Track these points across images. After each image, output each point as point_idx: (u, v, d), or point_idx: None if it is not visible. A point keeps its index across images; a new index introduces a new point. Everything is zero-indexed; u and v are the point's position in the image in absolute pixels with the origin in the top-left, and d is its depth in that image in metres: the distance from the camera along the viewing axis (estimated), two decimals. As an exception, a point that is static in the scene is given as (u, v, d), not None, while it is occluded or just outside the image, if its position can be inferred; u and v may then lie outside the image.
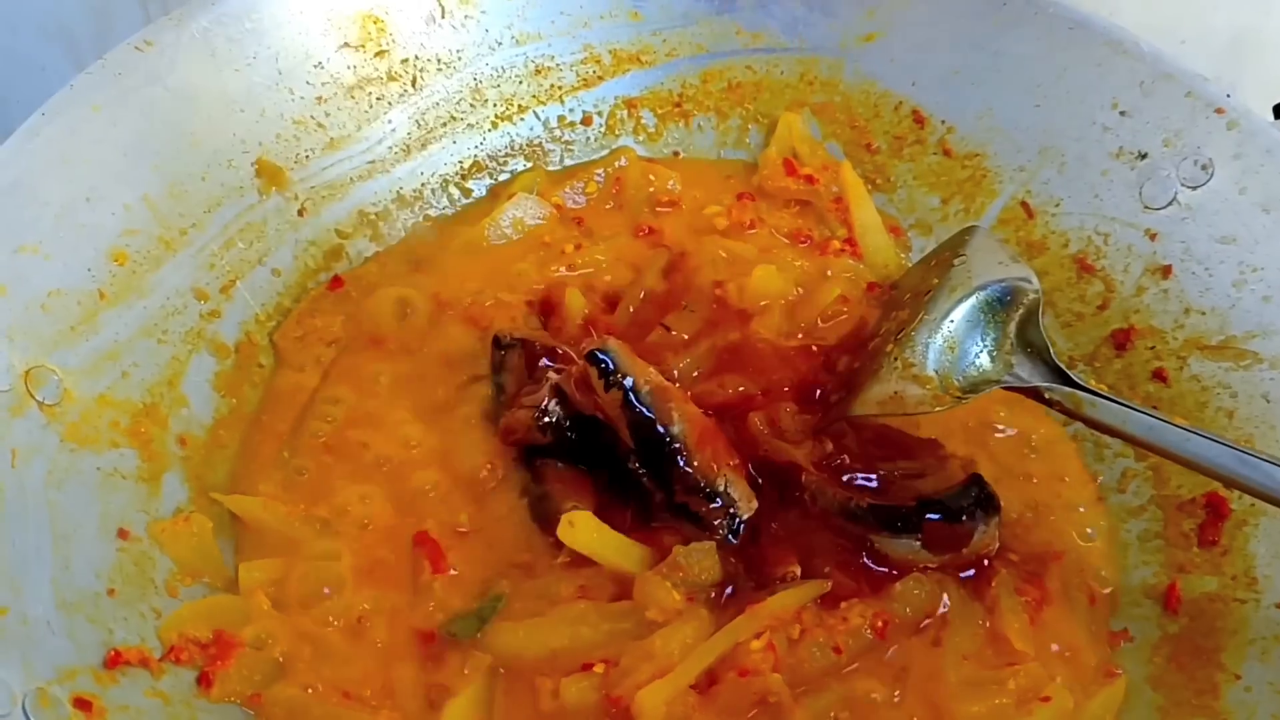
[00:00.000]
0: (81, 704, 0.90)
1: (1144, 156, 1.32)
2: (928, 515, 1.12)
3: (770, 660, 1.03)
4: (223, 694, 1.01)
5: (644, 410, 1.12)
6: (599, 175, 1.48)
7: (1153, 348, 1.28)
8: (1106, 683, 1.09)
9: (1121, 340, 1.30)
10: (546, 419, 1.17)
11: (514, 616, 1.08)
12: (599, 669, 1.04)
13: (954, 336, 1.17)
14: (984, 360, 1.16)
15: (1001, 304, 1.18)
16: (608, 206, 1.47)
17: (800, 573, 1.12)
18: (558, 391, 1.18)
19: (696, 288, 1.35)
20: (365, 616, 1.09)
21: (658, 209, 1.46)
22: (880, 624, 1.08)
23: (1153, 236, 1.30)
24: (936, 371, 1.15)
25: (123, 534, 1.05)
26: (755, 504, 1.15)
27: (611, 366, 1.13)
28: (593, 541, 1.09)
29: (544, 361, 1.23)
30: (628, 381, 1.12)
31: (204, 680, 1.00)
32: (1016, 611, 1.11)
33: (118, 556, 1.04)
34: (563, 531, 1.09)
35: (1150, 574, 1.19)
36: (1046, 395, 1.13)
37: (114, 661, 0.96)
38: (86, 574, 1.00)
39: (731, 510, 1.14)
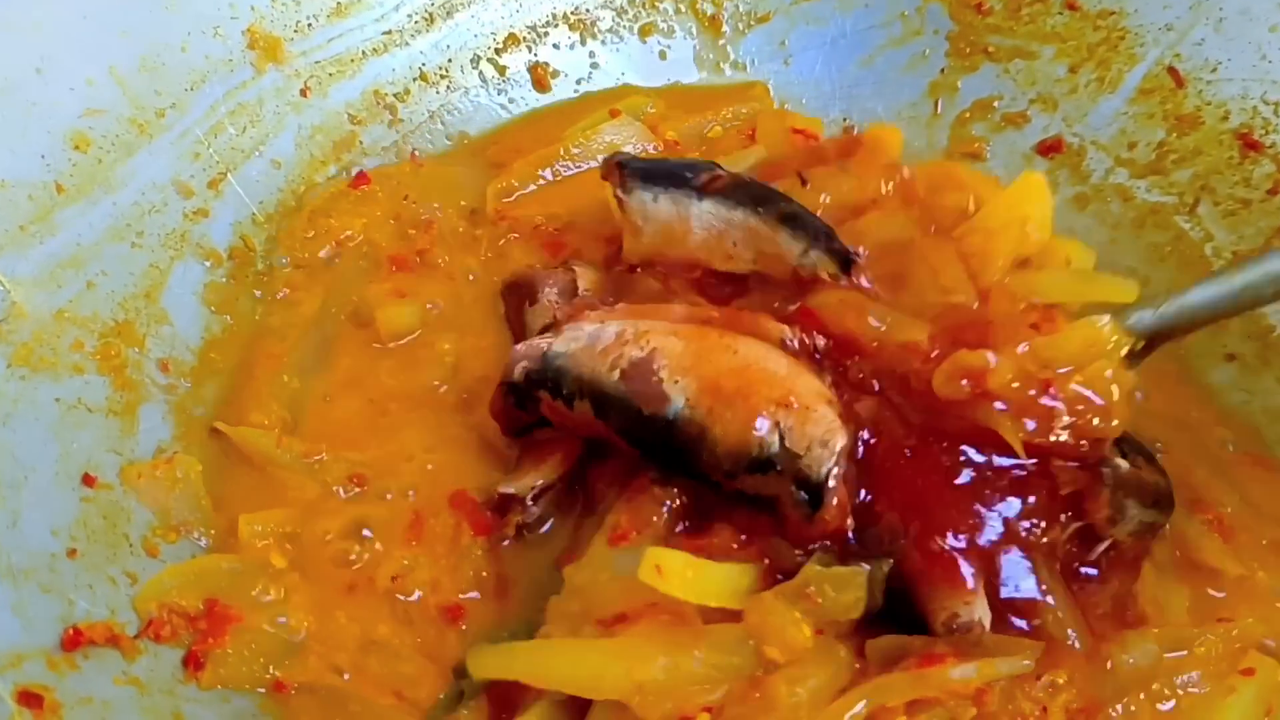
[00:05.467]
0: (28, 699, 0.78)
1: (1325, 4, 1.15)
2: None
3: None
4: (216, 679, 0.88)
5: (628, 403, 0.89)
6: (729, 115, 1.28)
7: (1339, 237, 1.12)
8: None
9: (1299, 231, 1.13)
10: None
11: (570, 624, 0.85)
12: (702, 718, 0.80)
13: None
14: None
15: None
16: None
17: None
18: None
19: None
20: (404, 583, 0.92)
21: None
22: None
23: (1335, 103, 1.13)
24: None
25: (88, 480, 0.95)
26: (842, 436, 0.87)
27: (553, 378, 0.91)
28: (689, 584, 0.84)
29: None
30: (582, 381, 0.90)
31: (192, 662, 0.88)
32: (1206, 534, 0.96)
33: (81, 508, 0.92)
34: (647, 575, 0.83)
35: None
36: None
37: (74, 642, 0.84)
38: (40, 531, 0.88)
39: (801, 472, 0.85)
